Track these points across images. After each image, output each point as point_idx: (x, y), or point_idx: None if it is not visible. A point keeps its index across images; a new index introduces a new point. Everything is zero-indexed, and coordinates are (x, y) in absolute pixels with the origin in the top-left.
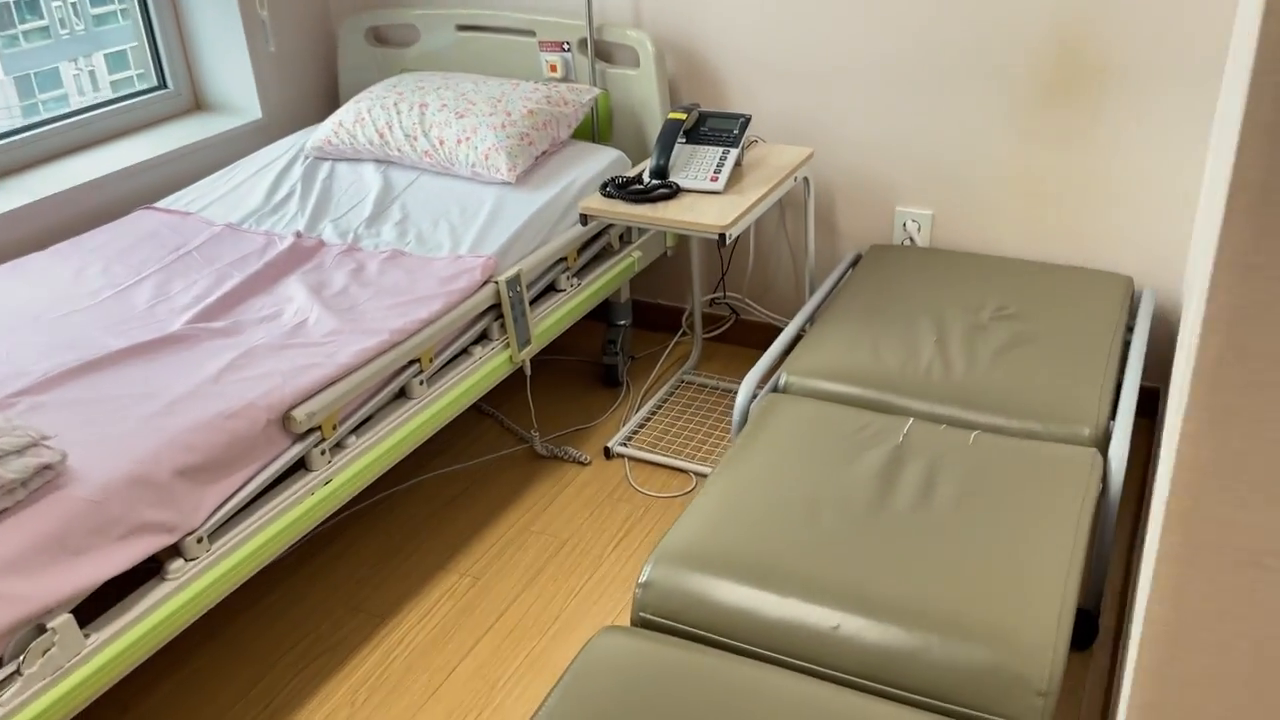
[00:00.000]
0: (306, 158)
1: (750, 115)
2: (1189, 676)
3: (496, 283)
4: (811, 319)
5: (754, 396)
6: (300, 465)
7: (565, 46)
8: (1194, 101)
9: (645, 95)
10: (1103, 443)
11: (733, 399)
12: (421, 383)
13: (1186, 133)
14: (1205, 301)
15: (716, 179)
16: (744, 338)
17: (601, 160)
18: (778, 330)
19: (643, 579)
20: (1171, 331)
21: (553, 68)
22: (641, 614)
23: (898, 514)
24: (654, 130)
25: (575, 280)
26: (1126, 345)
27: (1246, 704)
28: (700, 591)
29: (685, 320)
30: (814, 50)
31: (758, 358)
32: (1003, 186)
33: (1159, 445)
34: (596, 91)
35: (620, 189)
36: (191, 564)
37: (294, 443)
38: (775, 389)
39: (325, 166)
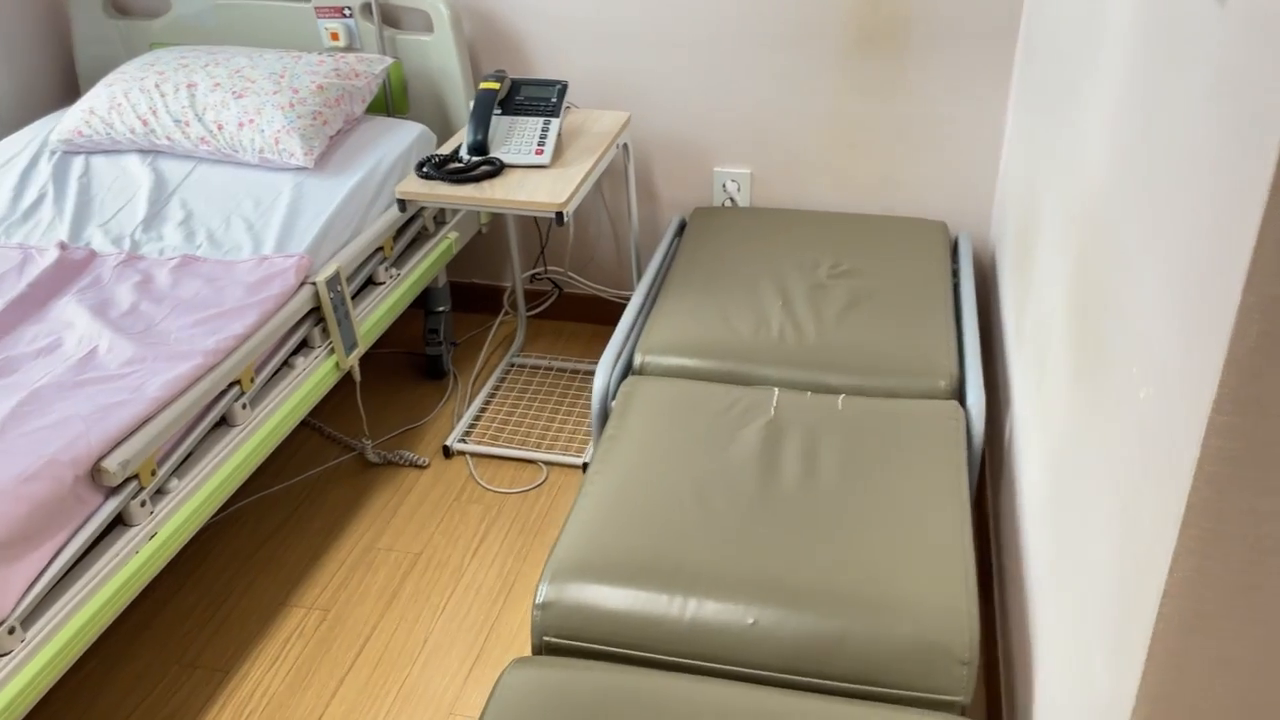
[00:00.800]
0: (53, 152)
1: (567, 82)
2: (1205, 667)
3: (314, 284)
4: (652, 291)
5: (610, 381)
6: (119, 522)
7: (347, 12)
8: (993, 53)
9: (444, 63)
10: (959, 392)
11: (568, 379)
12: (244, 406)
13: (988, 82)
14: (1242, 291)
15: (541, 152)
16: (569, 312)
17: (405, 136)
18: (604, 302)
19: (540, 600)
20: (988, 274)
21: (334, 36)
22: (546, 639)
23: (788, 493)
24: (456, 100)
25: (394, 270)
26: (956, 290)
27: (1264, 692)
28: (605, 605)
29: (507, 299)
30: (622, 10)
31: (587, 332)
32: (817, 141)
33: (1003, 388)
34: (389, 61)
35: (438, 169)
36: (4, 660)
37: (108, 498)
38: (631, 370)
39: (79, 161)
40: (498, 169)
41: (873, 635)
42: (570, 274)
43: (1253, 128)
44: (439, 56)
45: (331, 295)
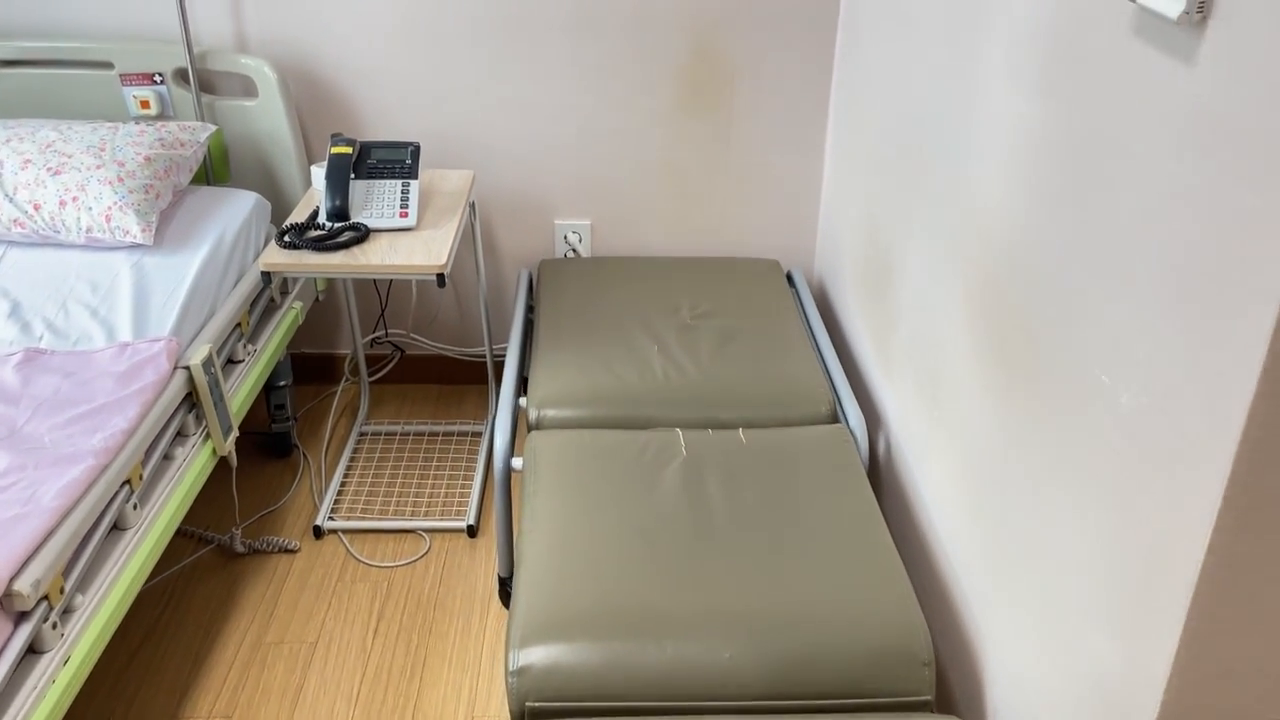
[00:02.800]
0: None
1: (419, 144)
2: (1238, 651)
3: (189, 368)
4: (524, 346)
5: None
6: (29, 650)
7: (158, 78)
8: (809, 106)
9: (271, 128)
10: (837, 415)
11: (425, 442)
12: (134, 506)
13: (806, 132)
14: None
15: (406, 214)
16: (411, 374)
17: (240, 206)
18: (449, 361)
19: (515, 666)
20: (822, 304)
21: (144, 104)
22: (529, 704)
23: (722, 526)
24: (286, 167)
25: (250, 346)
26: (805, 320)
27: None
28: (581, 662)
29: (347, 366)
30: (454, 71)
31: (431, 393)
32: (652, 190)
33: (874, 407)
34: (212, 129)
35: (301, 237)
36: None
37: (18, 624)
38: (529, 428)
39: None
40: (364, 234)
41: (841, 651)
42: (413, 335)
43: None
44: (266, 121)
45: (207, 377)
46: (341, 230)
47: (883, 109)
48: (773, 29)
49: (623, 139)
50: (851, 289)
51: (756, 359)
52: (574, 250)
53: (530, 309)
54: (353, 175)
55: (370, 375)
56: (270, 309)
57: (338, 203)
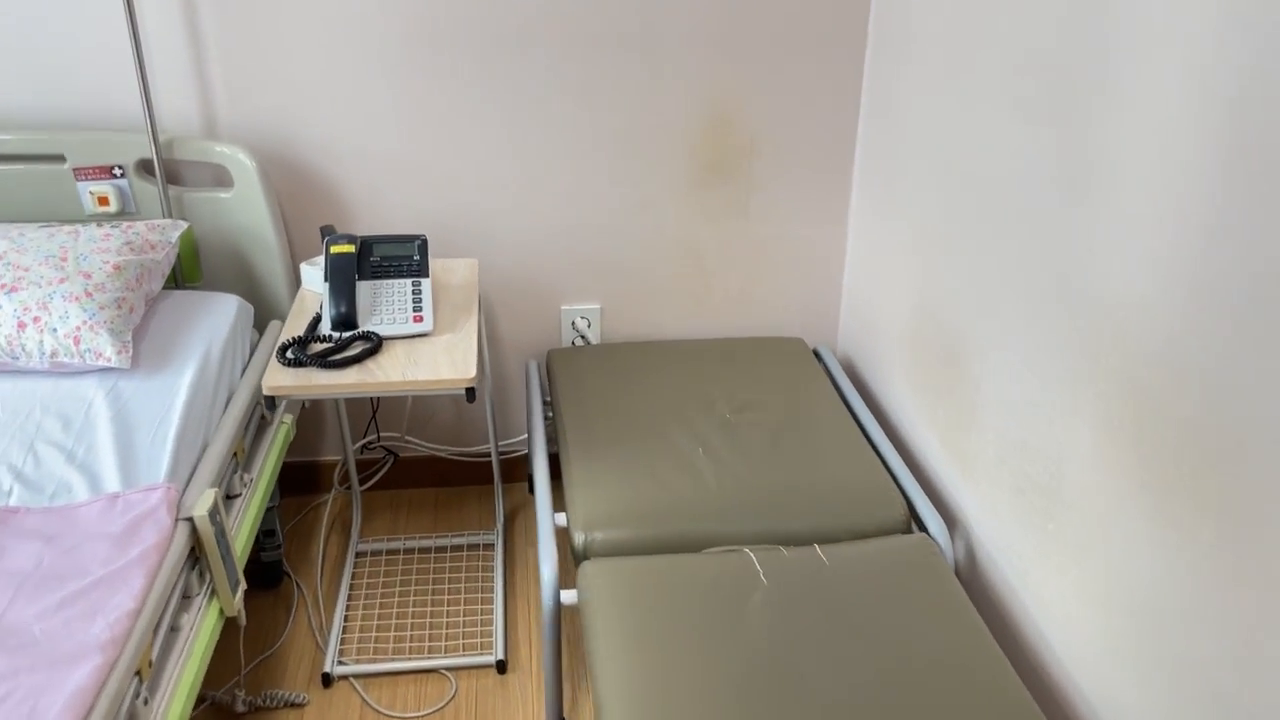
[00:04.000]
0: None
1: (425, 236)
2: None
3: (192, 519)
4: (556, 451)
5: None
6: None
7: (118, 171)
8: (831, 175)
9: (250, 222)
10: (913, 520)
11: (432, 559)
12: (144, 701)
13: (827, 202)
14: None
15: (421, 318)
16: (405, 478)
17: (222, 313)
18: (444, 462)
19: None
20: (861, 385)
21: (103, 201)
22: None
23: (832, 674)
24: (266, 264)
25: (247, 475)
26: (848, 407)
27: None
28: None
29: (338, 475)
30: (449, 147)
31: (428, 500)
32: (667, 268)
33: (949, 510)
34: (184, 226)
35: (305, 352)
36: None
37: None
38: (575, 554)
39: None
40: (377, 344)
41: None
42: (407, 437)
43: None
44: (243, 214)
45: (213, 528)
46: (350, 341)
47: (928, 172)
48: (792, 92)
49: (634, 215)
50: (900, 375)
51: (812, 458)
52: (582, 337)
53: (547, 404)
54: (356, 276)
55: (362, 483)
56: (261, 426)
57: (344, 309)
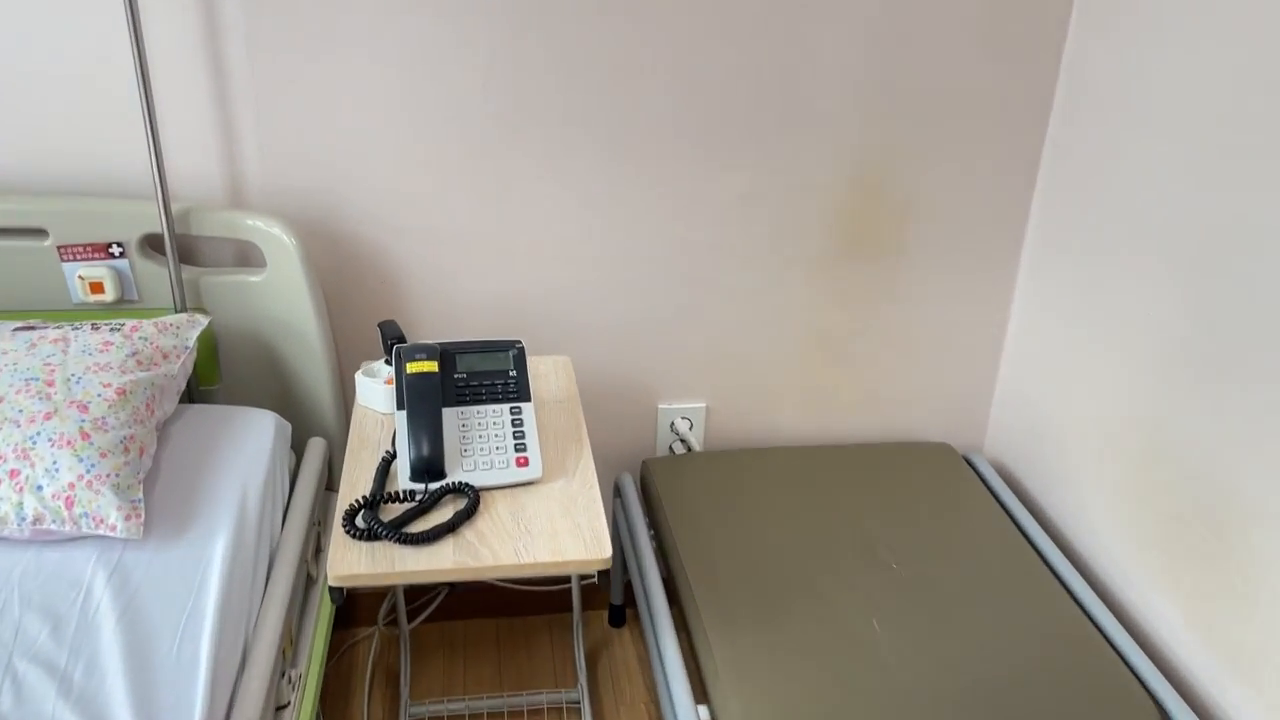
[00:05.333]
0: None
1: (521, 343)
2: None
3: None
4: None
5: None
6: None
7: (116, 250)
8: (996, 251)
9: (287, 313)
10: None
11: None
12: None
13: (991, 279)
14: None
15: (526, 460)
16: (461, 608)
17: (256, 439)
18: (503, 592)
19: None
20: (1029, 500)
21: (96, 287)
22: None
23: None
24: (305, 368)
25: (294, 672)
26: (1025, 539)
27: None
28: None
29: (383, 613)
30: (523, 220)
31: (486, 636)
32: (789, 360)
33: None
34: (204, 322)
35: (376, 515)
36: None
37: None
38: None
39: None
40: (473, 502)
41: None
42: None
43: None
44: (278, 303)
45: None
46: (439, 496)
47: (1160, 261)
48: (955, 155)
49: (753, 296)
50: (1099, 509)
51: (1020, 633)
52: (683, 441)
53: (652, 527)
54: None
55: (410, 616)
56: (305, 587)
57: (428, 452)
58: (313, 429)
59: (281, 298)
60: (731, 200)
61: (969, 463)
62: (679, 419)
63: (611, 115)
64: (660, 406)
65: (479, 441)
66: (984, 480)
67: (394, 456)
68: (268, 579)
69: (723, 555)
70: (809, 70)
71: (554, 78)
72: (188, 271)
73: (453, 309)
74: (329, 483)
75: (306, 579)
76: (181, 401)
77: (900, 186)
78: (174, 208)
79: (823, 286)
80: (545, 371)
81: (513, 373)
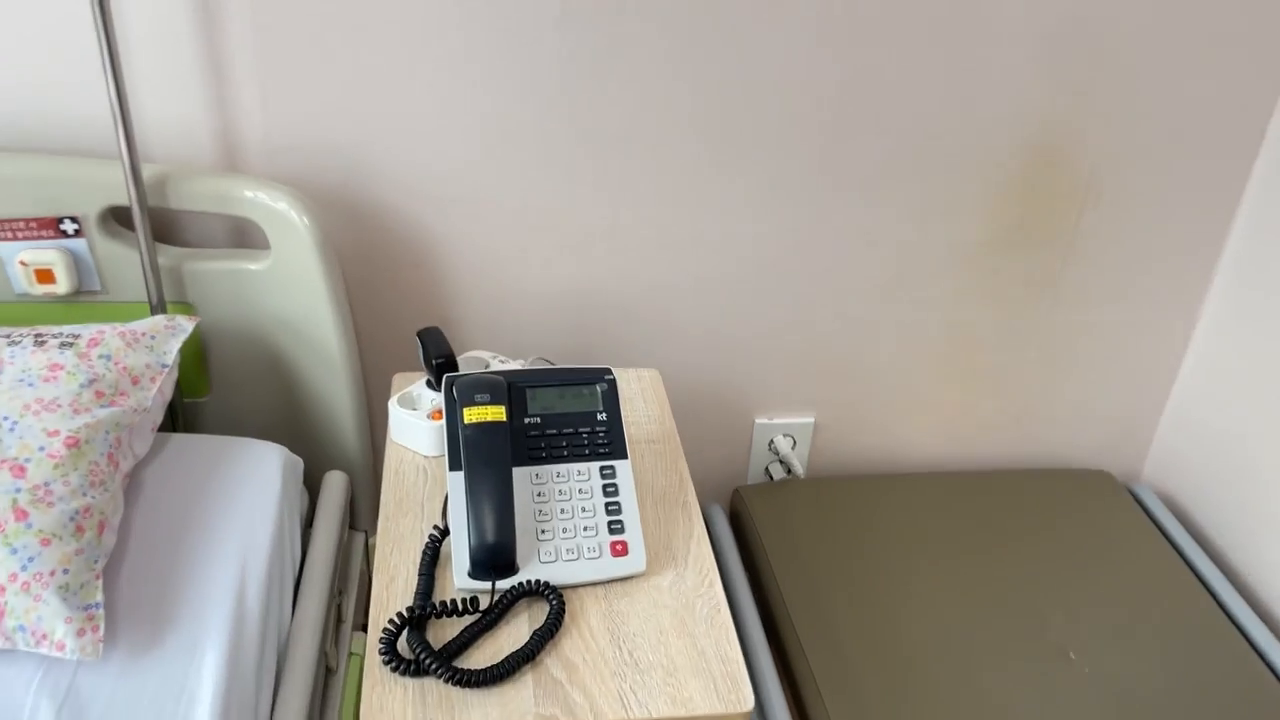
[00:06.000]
0: None
1: (613, 374)
2: None
3: None
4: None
5: None
6: None
7: (70, 226)
8: (1191, 243)
9: (297, 311)
10: None
11: None
12: None
13: (1178, 282)
14: None
15: (624, 546)
16: None
17: (257, 490)
18: None
19: None
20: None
21: (45, 276)
22: None
23: None
24: (320, 383)
25: None
26: (1223, 611)
27: None
28: None
29: None
30: (601, 195)
31: None
32: (921, 368)
33: None
34: (190, 327)
35: (423, 639)
36: None
37: None
38: None
39: None
40: (558, 611)
41: None
42: None
43: None
44: (285, 298)
45: None
46: (510, 603)
47: None
48: (1166, 119)
49: (882, 291)
50: None
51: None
52: (782, 462)
53: (751, 576)
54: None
55: None
56: (326, 678)
57: (496, 538)
58: (330, 456)
59: (289, 291)
60: (864, 173)
61: (1132, 494)
62: (780, 436)
63: (723, 66)
64: (758, 421)
65: (560, 518)
66: (1150, 515)
67: (445, 534)
68: (276, 689)
69: (844, 618)
70: (989, 7)
71: (654, 6)
72: (166, 255)
73: (508, 306)
74: (353, 519)
75: (325, 670)
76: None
77: (1085, 159)
78: (146, 171)
79: (969, 280)
80: (630, 392)
81: (602, 416)
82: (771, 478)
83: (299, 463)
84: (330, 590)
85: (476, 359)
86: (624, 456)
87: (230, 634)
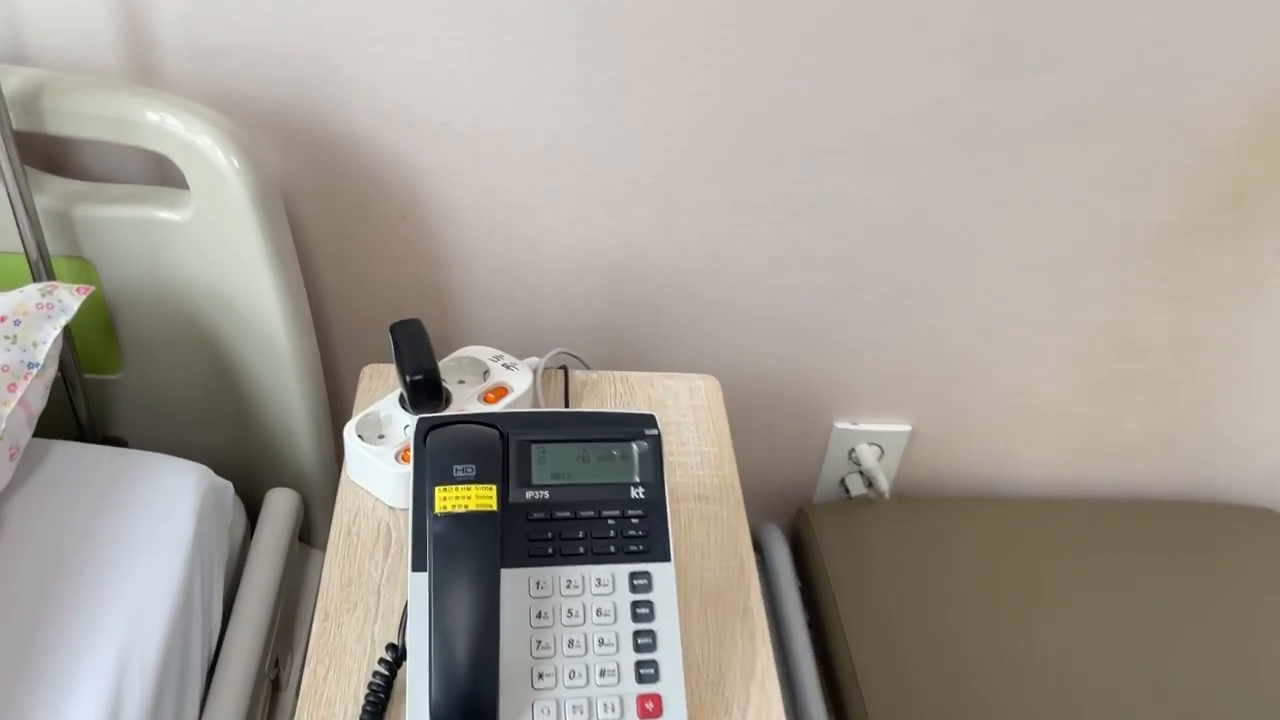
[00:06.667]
0: None
1: (655, 424)
2: None
3: None
4: None
5: None
6: None
7: None
8: None
9: (229, 279)
10: None
11: None
12: None
13: None
14: None
15: (659, 708)
16: None
17: (167, 527)
18: None
19: None
20: None
21: None
22: None
23: None
24: (265, 373)
25: None
26: None
27: None
28: None
29: None
30: (650, 133)
31: None
32: (1062, 373)
33: None
34: (72, 306)
35: None
36: None
37: None
38: None
39: None
40: None
41: None
42: None
43: None
44: (211, 261)
45: None
46: None
47: None
48: None
49: (1024, 281)
50: None
51: None
52: (864, 476)
53: (811, 619)
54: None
55: None
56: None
57: (469, 688)
58: (276, 465)
59: (218, 252)
60: (1019, 126)
61: None
62: (864, 445)
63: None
64: (837, 426)
65: (567, 655)
66: None
67: (401, 659)
68: None
69: (927, 681)
70: None
71: None
72: (49, 195)
73: (522, 278)
74: (304, 532)
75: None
76: (45, 414)
77: None
78: (12, 79)
79: (1144, 271)
80: (678, 412)
81: (639, 492)
82: (849, 493)
83: (226, 489)
84: (264, 654)
85: (472, 360)
86: (665, 558)
87: None
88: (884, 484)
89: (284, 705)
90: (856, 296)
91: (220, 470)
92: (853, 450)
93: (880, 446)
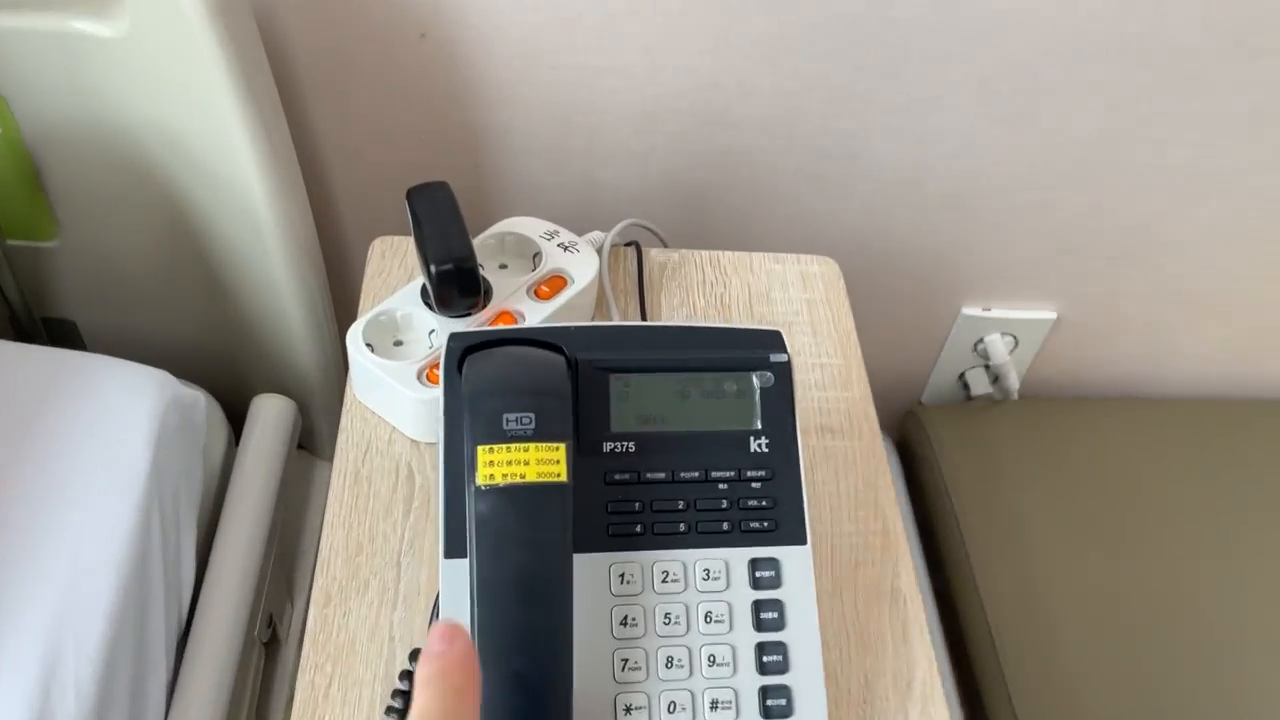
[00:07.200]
0: None
1: (782, 346)
2: None
3: None
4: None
5: None
6: None
7: None
8: None
9: (178, 118)
10: None
11: None
12: None
13: None
14: None
15: None
16: None
17: (110, 455)
18: None
19: None
20: None
21: None
22: None
23: None
24: (242, 244)
25: None
26: None
27: None
28: None
29: None
30: None
31: None
32: (1245, 253)
33: None
34: None
35: None
36: None
37: None
38: None
39: None
40: None
41: None
42: None
43: None
44: (151, 91)
45: None
46: None
47: None
48: None
49: (1228, 137)
50: None
51: None
52: (989, 369)
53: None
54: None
55: None
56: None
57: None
58: (263, 364)
59: (165, 78)
60: None
61: None
62: (997, 335)
63: None
64: (964, 311)
65: (666, 675)
66: None
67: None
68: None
69: (1066, 613)
70: None
71: None
72: None
73: (583, 116)
74: (305, 437)
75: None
76: None
77: None
78: None
79: None
80: (792, 306)
81: (761, 443)
82: (969, 392)
83: (195, 402)
84: (252, 614)
85: (517, 238)
86: (800, 540)
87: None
88: (1014, 382)
89: (284, 661)
90: (1002, 156)
91: (191, 372)
92: (979, 341)
93: (1015, 337)
